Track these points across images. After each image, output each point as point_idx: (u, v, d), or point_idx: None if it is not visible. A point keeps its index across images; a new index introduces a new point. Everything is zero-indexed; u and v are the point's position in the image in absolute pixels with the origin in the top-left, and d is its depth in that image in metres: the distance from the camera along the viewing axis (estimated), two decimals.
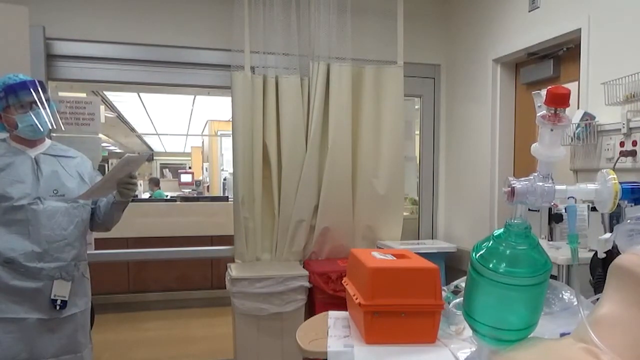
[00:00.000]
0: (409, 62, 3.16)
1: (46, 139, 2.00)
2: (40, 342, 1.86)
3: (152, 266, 4.81)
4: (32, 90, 1.86)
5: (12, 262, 1.80)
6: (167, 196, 8.18)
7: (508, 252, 0.62)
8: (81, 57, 2.90)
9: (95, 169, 2.17)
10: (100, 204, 2.05)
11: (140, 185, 10.21)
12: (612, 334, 0.55)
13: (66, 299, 1.88)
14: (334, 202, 3.05)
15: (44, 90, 1.92)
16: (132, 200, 2.09)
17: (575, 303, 0.95)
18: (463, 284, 1.01)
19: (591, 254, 1.60)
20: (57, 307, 1.86)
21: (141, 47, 2.97)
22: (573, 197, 0.66)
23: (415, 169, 3.73)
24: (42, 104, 1.89)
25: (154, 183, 8.96)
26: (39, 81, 1.93)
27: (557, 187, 0.66)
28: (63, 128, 2.06)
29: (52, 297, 1.86)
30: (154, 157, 14.37)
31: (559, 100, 0.66)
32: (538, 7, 2.53)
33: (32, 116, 1.85)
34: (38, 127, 1.87)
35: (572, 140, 2.18)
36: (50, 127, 1.95)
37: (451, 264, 3.07)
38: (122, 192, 1.96)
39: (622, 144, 2.06)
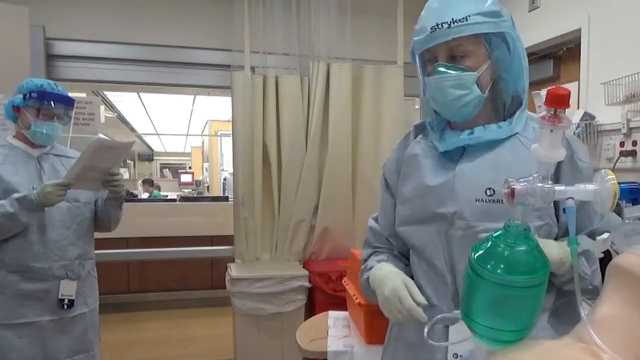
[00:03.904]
0: (409, 62, 3.15)
1: None
2: (54, 344, 1.87)
3: (152, 266, 4.81)
4: (62, 105, 1.90)
5: (19, 263, 1.80)
6: (165, 196, 8.18)
7: (507, 253, 0.62)
8: (81, 57, 2.91)
9: None
10: (98, 202, 2.06)
11: (140, 185, 10.20)
12: (612, 334, 0.55)
13: (73, 297, 1.89)
14: (334, 202, 3.05)
15: (71, 109, 1.96)
16: (132, 200, 2.08)
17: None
18: None
19: None
20: (65, 307, 1.87)
21: (141, 47, 2.98)
22: (572, 198, 0.66)
23: None
24: (61, 119, 1.93)
25: (149, 184, 8.93)
26: (72, 99, 1.95)
27: (557, 187, 0.66)
28: (69, 147, 2.08)
29: (60, 297, 1.86)
30: (154, 157, 14.35)
31: (559, 101, 0.66)
32: (538, 7, 2.53)
33: (48, 127, 1.88)
34: (48, 137, 1.90)
35: None
36: (57, 140, 1.98)
37: None
38: (109, 190, 1.95)
39: (622, 144, 2.06)
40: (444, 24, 1.02)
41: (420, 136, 1.21)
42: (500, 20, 1.03)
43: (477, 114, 1.08)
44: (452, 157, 1.11)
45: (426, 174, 1.13)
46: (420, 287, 1.11)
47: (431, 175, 1.12)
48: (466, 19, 1.01)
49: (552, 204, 1.00)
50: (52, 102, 1.87)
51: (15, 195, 1.76)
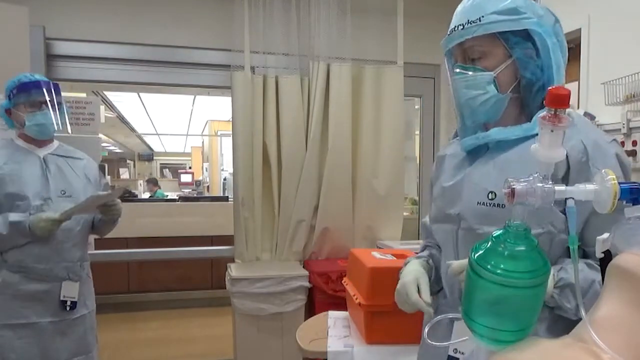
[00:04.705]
0: (409, 62, 3.16)
1: (54, 140, 2.01)
2: (54, 345, 1.86)
3: (152, 266, 4.81)
4: (44, 90, 1.88)
5: (21, 264, 1.80)
6: (166, 196, 8.18)
7: (507, 253, 0.62)
8: (81, 57, 2.91)
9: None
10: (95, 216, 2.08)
11: (140, 185, 10.19)
12: (612, 335, 0.55)
13: (75, 299, 1.89)
14: (334, 202, 3.05)
15: (57, 93, 1.94)
16: (132, 200, 2.10)
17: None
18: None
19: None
20: (67, 308, 1.87)
21: (141, 47, 2.98)
22: (572, 198, 0.65)
23: (415, 169, 3.73)
24: (52, 105, 1.90)
25: (153, 183, 8.95)
26: (53, 83, 1.94)
27: (557, 187, 0.66)
28: (70, 131, 2.06)
29: (62, 298, 1.86)
30: (154, 157, 14.36)
31: (559, 101, 0.66)
32: None
33: (40, 116, 1.87)
34: (44, 127, 1.89)
35: None
36: (57, 129, 1.96)
37: None
38: (106, 214, 1.98)
39: (622, 144, 2.06)
40: (459, 27, 1.04)
41: (459, 137, 1.24)
42: (521, 17, 1.01)
43: (504, 115, 1.07)
44: (473, 158, 1.12)
45: (445, 175, 1.17)
46: (445, 284, 1.17)
47: (448, 177, 1.15)
48: (479, 20, 1.02)
49: (558, 211, 0.97)
50: (33, 90, 1.86)
51: (12, 218, 1.77)
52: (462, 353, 1.06)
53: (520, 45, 1.03)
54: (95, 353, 2.04)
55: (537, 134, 1.02)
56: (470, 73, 1.05)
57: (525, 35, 1.03)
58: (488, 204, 1.02)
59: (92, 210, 1.94)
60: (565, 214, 0.97)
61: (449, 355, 1.08)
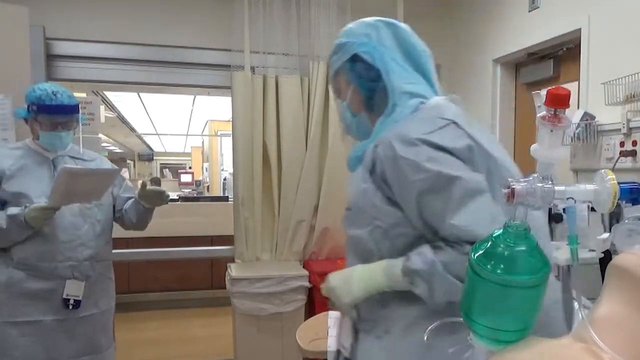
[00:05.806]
0: None
1: None
2: (58, 344, 1.86)
3: (152, 266, 4.81)
4: (65, 114, 1.88)
5: (26, 262, 1.80)
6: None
7: (507, 253, 0.62)
8: (81, 57, 2.91)
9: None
10: (126, 208, 2.06)
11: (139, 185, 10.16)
12: (611, 334, 0.55)
13: (79, 298, 1.87)
14: (334, 202, 3.05)
15: (76, 112, 1.93)
16: None
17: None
18: None
19: (591, 254, 1.61)
20: (70, 307, 1.86)
21: (141, 47, 2.98)
22: (572, 198, 0.65)
23: None
24: (68, 127, 1.91)
25: (156, 183, 8.96)
26: (74, 105, 1.92)
27: (557, 188, 0.66)
28: (81, 151, 2.05)
29: (64, 296, 1.85)
30: (154, 157, 14.35)
31: (559, 101, 0.67)
32: (538, 7, 2.53)
33: (54, 137, 1.88)
34: (56, 146, 1.91)
35: (572, 140, 2.18)
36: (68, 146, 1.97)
37: None
38: (152, 202, 2.00)
39: (622, 144, 2.06)
40: None
41: None
42: (346, 48, 1.13)
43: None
44: None
45: None
46: None
47: None
48: (328, 65, 1.22)
49: (384, 206, 1.02)
50: (53, 114, 1.85)
51: (10, 211, 1.77)
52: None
53: (352, 68, 1.12)
54: (108, 354, 2.02)
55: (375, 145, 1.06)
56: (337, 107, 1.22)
57: (360, 58, 1.12)
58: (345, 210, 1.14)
59: (91, 197, 1.89)
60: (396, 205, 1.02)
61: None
